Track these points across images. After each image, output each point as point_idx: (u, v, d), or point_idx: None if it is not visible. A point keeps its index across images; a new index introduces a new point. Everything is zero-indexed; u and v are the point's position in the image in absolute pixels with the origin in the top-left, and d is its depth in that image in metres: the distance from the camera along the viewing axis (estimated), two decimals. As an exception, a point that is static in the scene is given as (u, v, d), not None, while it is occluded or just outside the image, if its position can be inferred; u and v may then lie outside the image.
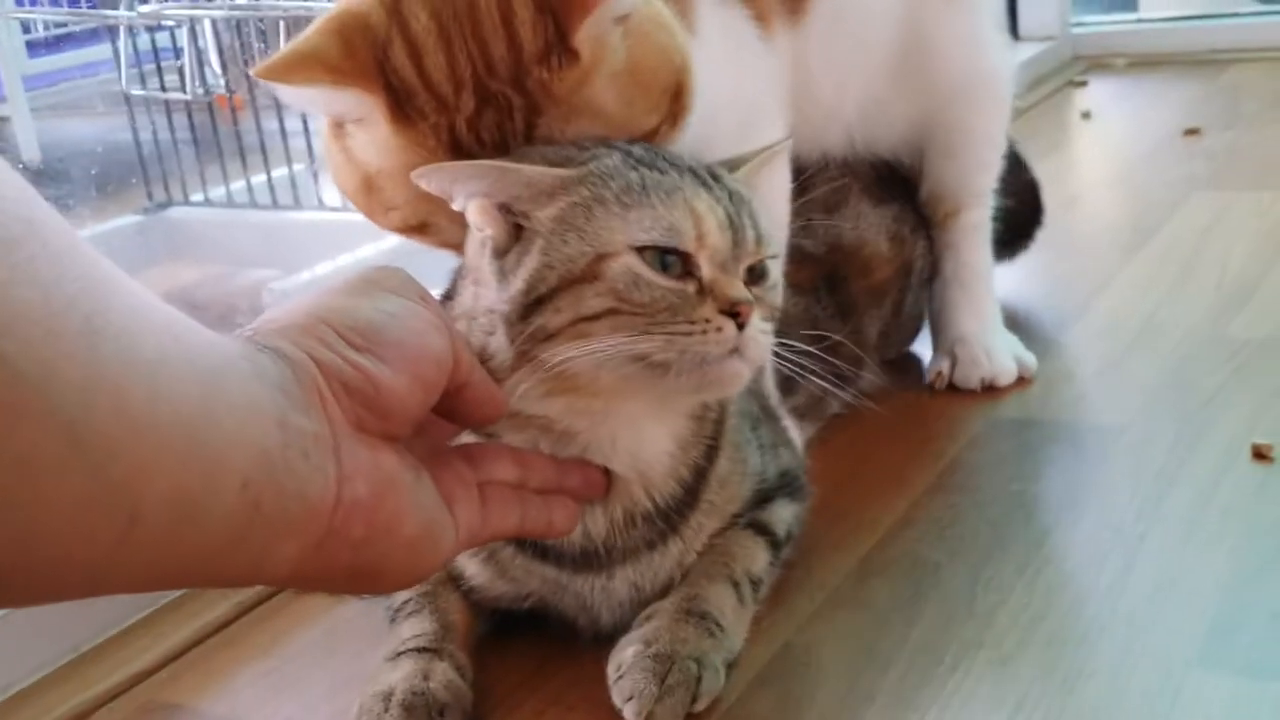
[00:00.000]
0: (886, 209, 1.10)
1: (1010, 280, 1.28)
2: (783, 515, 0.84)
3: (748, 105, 0.90)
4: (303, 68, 0.69)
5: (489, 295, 0.68)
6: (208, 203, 1.71)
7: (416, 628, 0.76)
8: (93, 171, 2.01)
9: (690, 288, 0.66)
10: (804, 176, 0.99)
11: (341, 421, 0.58)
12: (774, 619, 0.81)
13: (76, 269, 0.47)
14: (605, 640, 0.76)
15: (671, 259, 0.66)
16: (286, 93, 0.71)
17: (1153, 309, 1.26)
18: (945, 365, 1.12)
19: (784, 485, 0.85)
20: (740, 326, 0.66)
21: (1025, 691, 0.73)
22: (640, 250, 0.66)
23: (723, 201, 0.69)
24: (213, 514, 0.51)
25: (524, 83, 0.69)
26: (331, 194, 1.57)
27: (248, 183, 1.68)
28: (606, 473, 0.73)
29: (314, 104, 0.75)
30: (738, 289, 0.67)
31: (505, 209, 0.68)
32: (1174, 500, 0.91)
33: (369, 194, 0.74)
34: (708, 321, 0.66)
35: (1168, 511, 0.90)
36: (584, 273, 0.66)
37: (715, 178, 0.71)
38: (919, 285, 1.14)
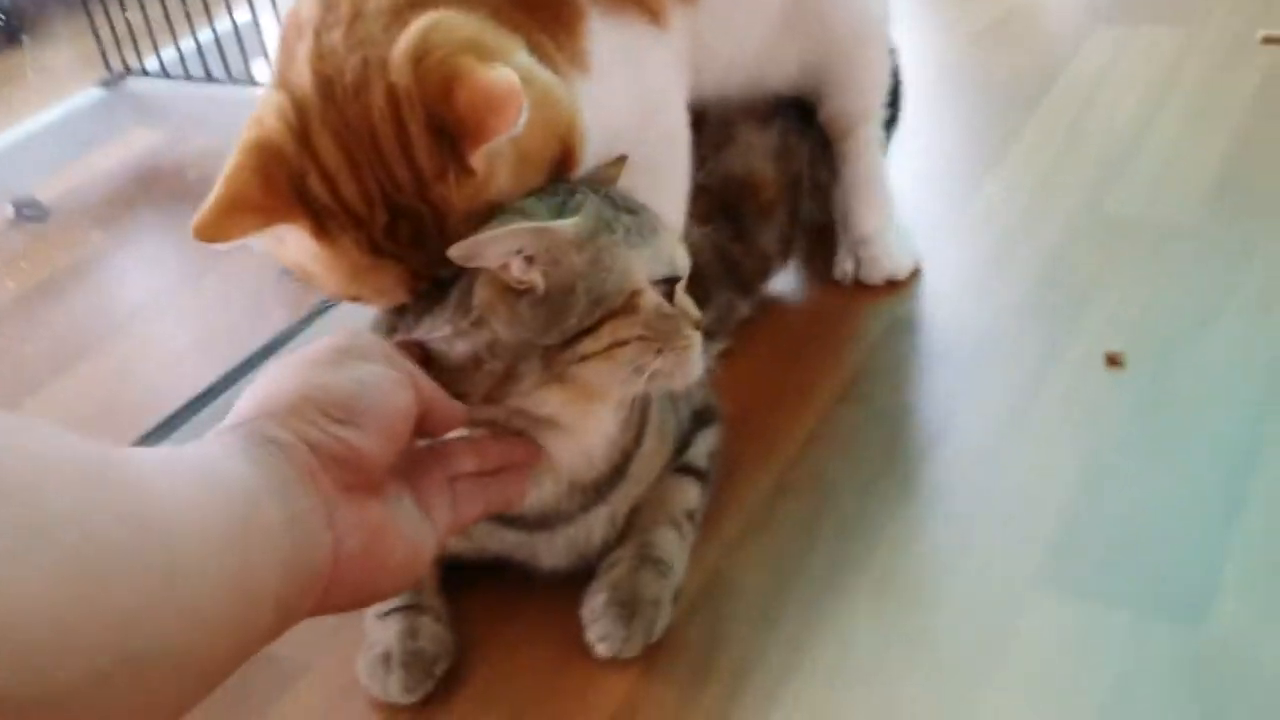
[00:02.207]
0: (770, 129, 1.23)
1: (915, 160, 1.43)
2: (702, 449, 1.01)
3: (647, 103, 1.00)
4: (231, 219, 0.79)
5: (521, 331, 0.80)
6: (164, 73, 1.79)
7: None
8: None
9: (677, 310, 0.83)
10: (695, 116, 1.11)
11: (331, 488, 0.71)
12: (706, 546, 1.00)
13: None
14: (551, 581, 0.95)
15: (666, 287, 0.83)
16: (222, 246, 0.79)
17: (1039, 182, 1.40)
18: (850, 265, 1.28)
19: (700, 421, 1.02)
20: (697, 330, 0.84)
21: (894, 617, 0.92)
22: (654, 283, 0.82)
23: (666, 229, 0.85)
24: (255, 636, 0.66)
25: (427, 196, 0.79)
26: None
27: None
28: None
29: (248, 242, 0.82)
30: (694, 304, 0.85)
31: (531, 261, 0.80)
32: (1033, 413, 1.09)
33: (305, 277, 0.86)
34: (689, 336, 0.83)
35: (1028, 426, 1.07)
36: (622, 307, 0.80)
37: (641, 207, 0.86)
38: (811, 189, 1.28)
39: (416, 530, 0.78)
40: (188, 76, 1.78)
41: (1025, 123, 1.53)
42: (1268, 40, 1.59)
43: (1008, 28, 1.78)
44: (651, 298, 0.81)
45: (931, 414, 1.12)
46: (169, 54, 1.79)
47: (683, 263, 0.84)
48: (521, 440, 0.88)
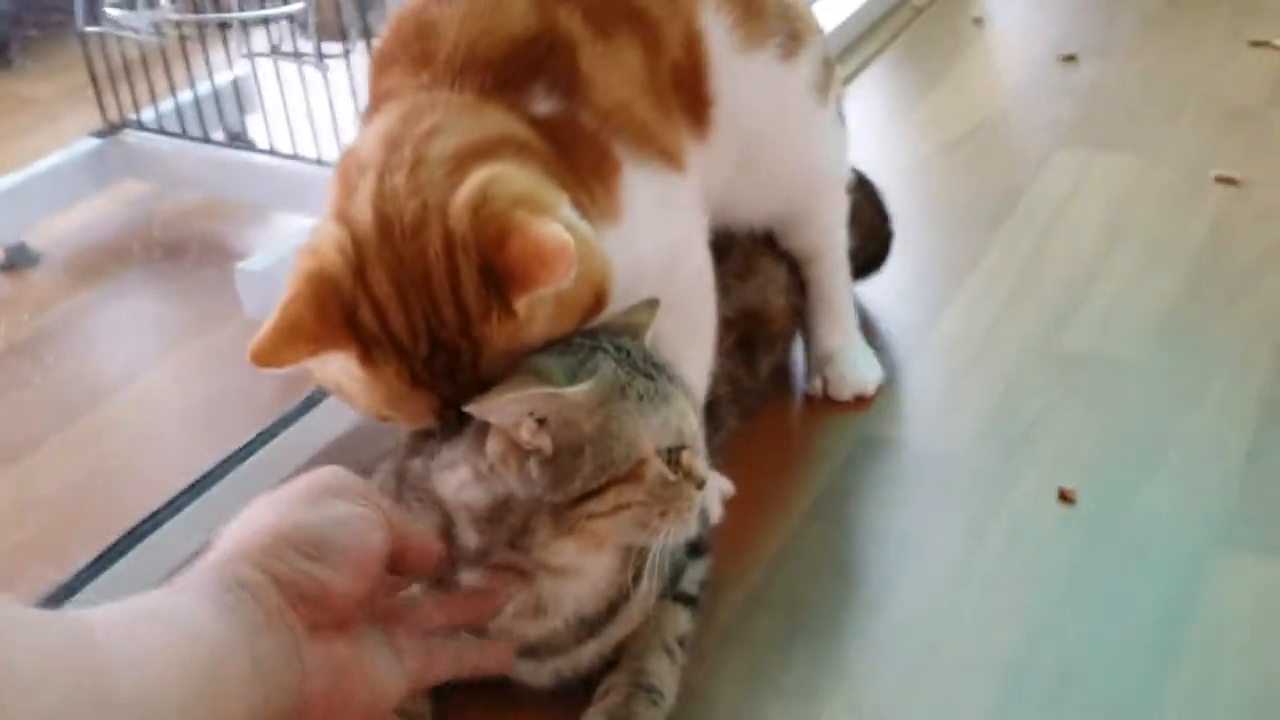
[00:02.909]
0: (782, 262, 1.31)
1: (886, 275, 1.51)
2: (695, 576, 1.08)
3: (675, 246, 1.08)
4: (288, 345, 0.85)
5: (530, 488, 0.86)
6: (161, 129, 1.83)
7: None
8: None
9: (681, 474, 0.87)
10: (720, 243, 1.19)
11: (299, 626, 0.76)
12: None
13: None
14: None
15: (672, 454, 0.88)
16: (279, 371, 0.85)
17: (1002, 309, 1.49)
18: (818, 383, 1.36)
19: (694, 552, 1.08)
20: (700, 490, 0.90)
21: (863, 744, 1.00)
22: (660, 450, 0.86)
23: (684, 391, 0.90)
24: None
25: (470, 334, 0.86)
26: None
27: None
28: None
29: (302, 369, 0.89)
30: (703, 467, 0.89)
31: (542, 423, 0.85)
32: (991, 542, 1.16)
33: (340, 394, 0.93)
34: (691, 498, 0.88)
35: (985, 555, 1.15)
36: (627, 475, 0.85)
37: (665, 364, 0.91)
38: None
39: (385, 671, 0.82)
40: (184, 134, 1.82)
41: (988, 245, 1.61)
42: (1221, 180, 1.70)
43: (971, 146, 1.87)
44: (656, 466, 0.86)
45: (898, 536, 1.19)
46: (165, 106, 1.84)
47: (690, 430, 0.88)
48: (480, 595, 0.92)
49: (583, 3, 1.00)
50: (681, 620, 1.04)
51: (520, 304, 0.85)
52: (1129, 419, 1.31)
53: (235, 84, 1.85)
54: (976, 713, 1.00)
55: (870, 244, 1.46)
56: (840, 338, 1.36)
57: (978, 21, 2.27)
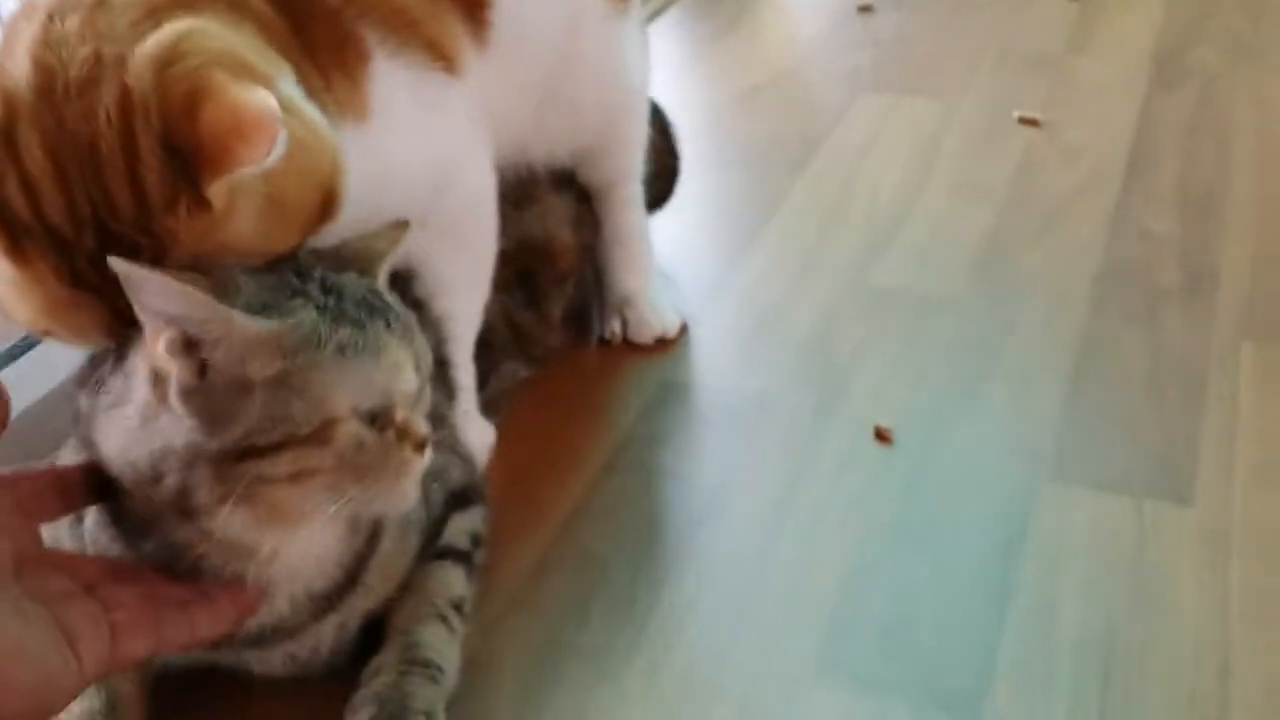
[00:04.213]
0: (568, 193, 1.18)
1: (680, 218, 1.39)
2: (462, 527, 0.93)
3: (444, 160, 0.93)
4: None
5: (180, 430, 0.69)
6: None
7: (82, 704, 0.78)
8: None
9: (390, 434, 0.72)
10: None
11: None
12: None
13: None
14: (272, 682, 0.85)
15: (379, 413, 0.72)
16: None
17: (809, 249, 1.39)
18: (617, 325, 1.23)
19: (457, 503, 0.93)
20: (421, 453, 0.74)
21: (671, 708, 0.87)
22: (361, 412, 0.71)
23: (407, 341, 0.74)
24: None
25: (149, 226, 0.69)
26: None
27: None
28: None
29: None
30: (423, 425, 0.74)
31: (193, 344, 0.68)
32: (806, 489, 1.05)
33: None
34: (405, 462, 0.73)
35: (800, 502, 1.04)
36: (310, 435, 0.69)
37: (388, 310, 0.75)
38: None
39: (48, 658, 0.66)
40: None
41: (790, 189, 1.52)
42: (1024, 121, 1.64)
43: (770, 92, 1.78)
44: (350, 430, 0.71)
45: (701, 484, 1.07)
46: None
47: (407, 385, 0.73)
48: (230, 589, 0.76)
49: None
50: (454, 581, 0.89)
51: (214, 190, 0.68)
52: (945, 355, 1.22)
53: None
54: (799, 665, 0.89)
55: (659, 180, 1.33)
56: (639, 278, 1.24)
57: (772, -27, 2.19)
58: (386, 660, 0.84)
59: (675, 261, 1.33)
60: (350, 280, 0.75)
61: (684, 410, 1.17)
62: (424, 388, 0.76)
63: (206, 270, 0.70)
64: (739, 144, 1.64)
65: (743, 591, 0.96)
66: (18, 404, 0.97)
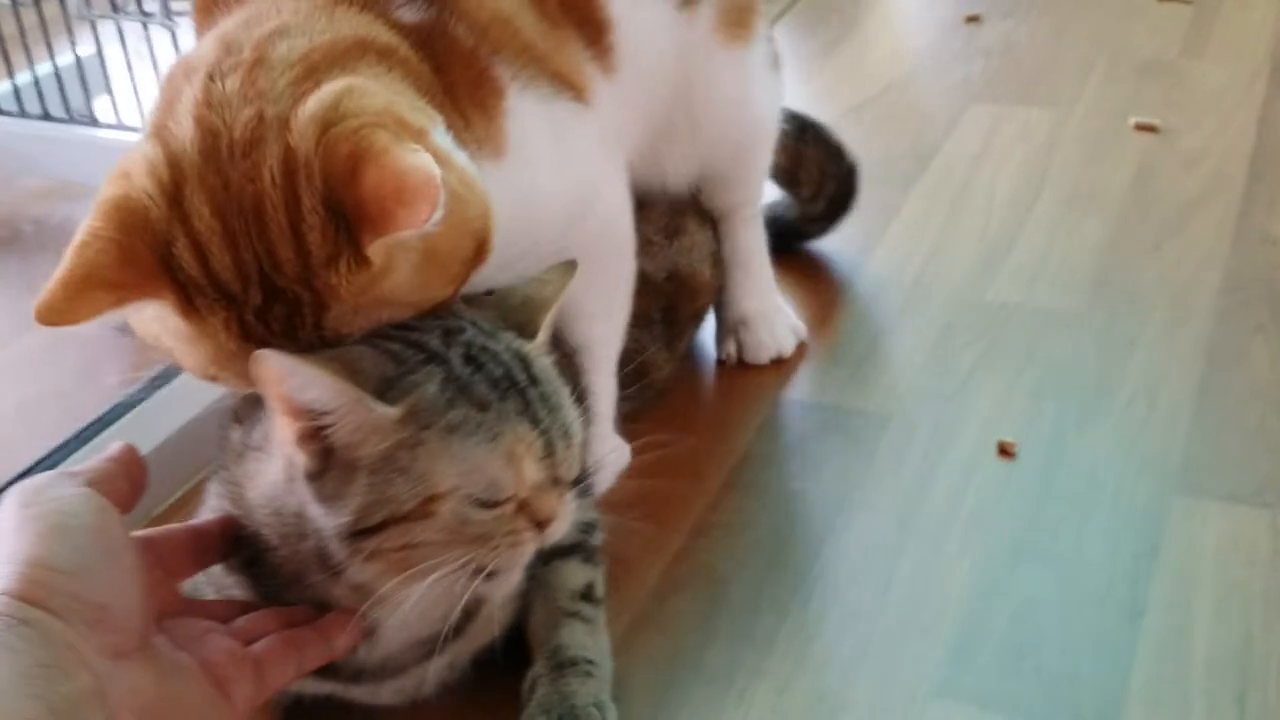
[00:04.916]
0: (709, 230, 1.18)
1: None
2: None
3: (579, 190, 0.93)
4: (82, 298, 0.68)
5: (310, 511, 0.72)
6: (-1, 111, 1.66)
7: None
8: None
9: (509, 509, 0.72)
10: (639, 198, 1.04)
11: (98, 658, 0.64)
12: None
13: None
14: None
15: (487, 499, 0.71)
16: (76, 329, 0.68)
17: (920, 266, 1.38)
18: (733, 347, 1.24)
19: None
20: (540, 530, 0.73)
21: (798, 725, 0.87)
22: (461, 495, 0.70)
23: (543, 424, 0.72)
24: None
25: (312, 282, 0.70)
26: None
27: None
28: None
29: (107, 322, 0.70)
30: (551, 506, 0.73)
31: (320, 431, 0.69)
32: (928, 505, 1.05)
33: (162, 350, 0.75)
34: (518, 533, 0.72)
35: (922, 519, 1.04)
36: (412, 512, 0.69)
37: (530, 387, 0.73)
38: None
39: (201, 706, 0.69)
40: (23, 114, 1.65)
41: (903, 203, 1.51)
42: (1140, 128, 1.61)
43: (880, 106, 1.77)
44: (453, 508, 0.70)
45: (822, 502, 1.07)
46: (3, 88, 1.67)
47: (526, 478, 0.72)
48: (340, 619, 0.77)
49: None
50: (573, 574, 0.89)
51: (374, 249, 0.69)
52: (1065, 370, 1.20)
53: (79, 64, 1.68)
54: (923, 685, 0.89)
55: (828, 186, 1.36)
56: (758, 299, 1.24)
57: (878, -13, 2.18)
58: (538, 672, 0.84)
59: (790, 278, 1.33)
60: (502, 348, 0.74)
61: (802, 428, 1.17)
62: (568, 461, 0.74)
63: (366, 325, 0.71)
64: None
65: (866, 610, 0.96)
66: (162, 431, 1.01)
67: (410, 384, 0.70)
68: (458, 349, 0.72)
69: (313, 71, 0.73)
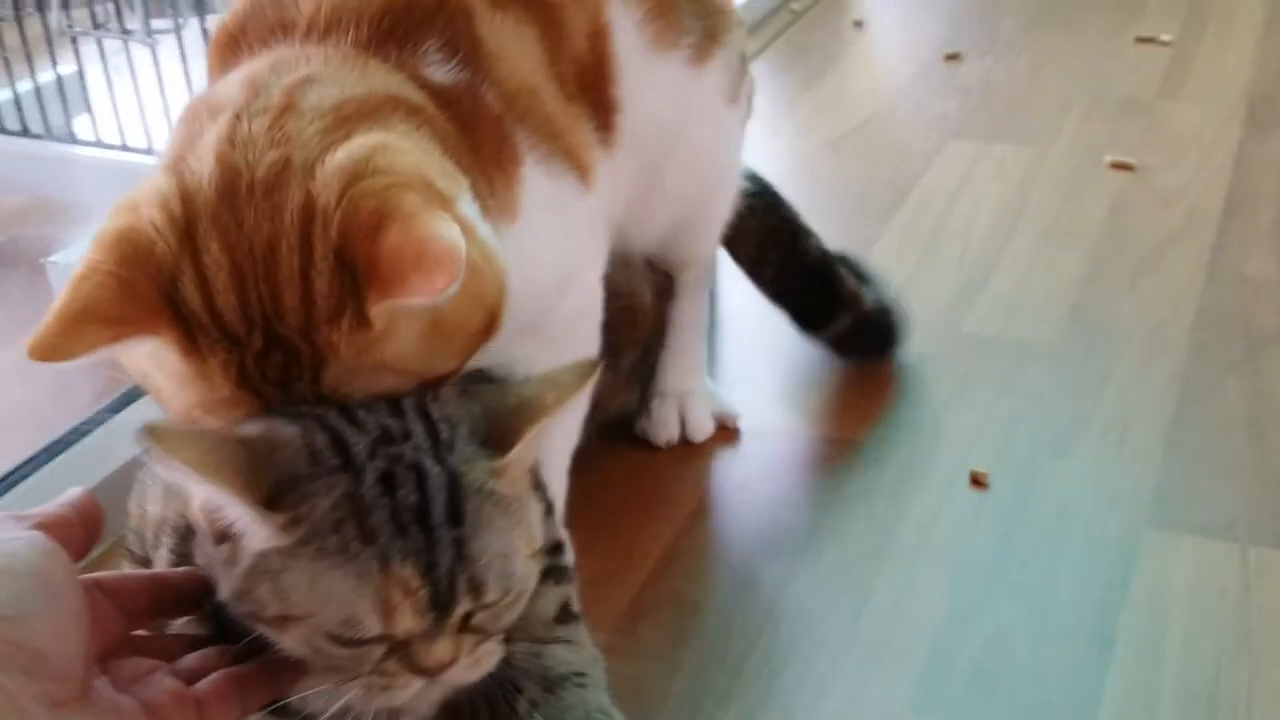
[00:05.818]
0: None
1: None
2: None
3: (566, 261, 0.92)
4: (79, 333, 0.64)
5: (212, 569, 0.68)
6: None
7: None
8: None
9: (375, 651, 0.65)
10: None
11: (34, 705, 0.60)
12: (556, 670, 0.92)
13: None
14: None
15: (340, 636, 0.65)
16: (70, 365, 0.65)
17: (900, 296, 1.38)
18: (645, 417, 1.19)
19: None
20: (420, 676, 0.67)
21: (765, 753, 0.86)
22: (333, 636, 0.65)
23: (440, 570, 0.64)
24: None
25: (311, 336, 0.67)
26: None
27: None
28: None
29: (104, 360, 0.67)
30: (436, 656, 0.66)
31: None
32: (900, 534, 1.05)
33: (148, 387, 0.72)
34: (390, 675, 0.66)
35: (894, 548, 1.03)
36: (270, 621, 0.65)
37: (454, 520, 0.65)
38: None
39: None
40: (2, 130, 1.65)
41: (880, 236, 1.52)
42: (1116, 166, 1.62)
43: (859, 140, 1.78)
44: (305, 635, 0.65)
45: (794, 530, 1.07)
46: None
47: (371, 629, 0.64)
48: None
49: None
50: (549, 601, 0.85)
51: (377, 311, 0.66)
52: (1040, 402, 1.21)
53: (60, 82, 1.68)
54: (893, 711, 0.88)
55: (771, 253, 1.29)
56: (678, 378, 1.19)
57: (858, 24, 2.20)
58: (531, 696, 0.81)
59: (766, 309, 1.33)
60: (438, 472, 0.66)
61: (773, 456, 1.17)
62: (483, 612, 0.67)
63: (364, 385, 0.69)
64: (829, 191, 1.64)
65: (836, 638, 0.95)
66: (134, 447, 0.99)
67: (307, 493, 0.64)
68: (379, 463, 0.65)
69: (344, 122, 0.71)
